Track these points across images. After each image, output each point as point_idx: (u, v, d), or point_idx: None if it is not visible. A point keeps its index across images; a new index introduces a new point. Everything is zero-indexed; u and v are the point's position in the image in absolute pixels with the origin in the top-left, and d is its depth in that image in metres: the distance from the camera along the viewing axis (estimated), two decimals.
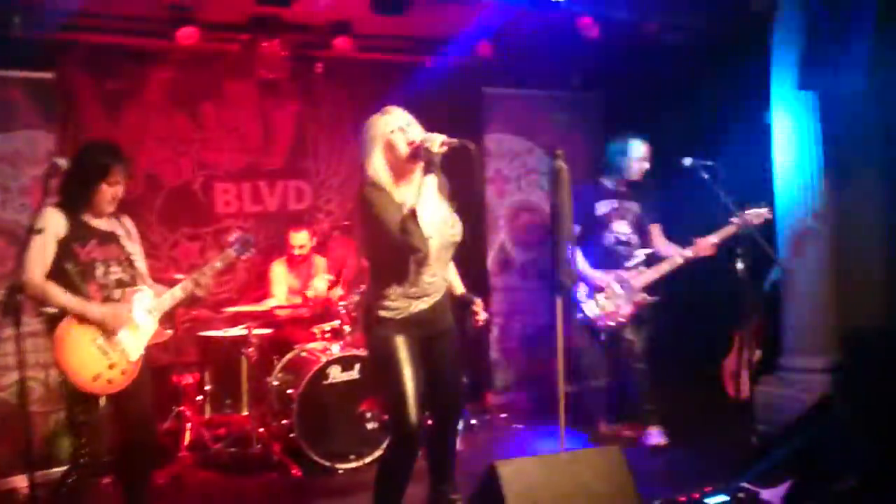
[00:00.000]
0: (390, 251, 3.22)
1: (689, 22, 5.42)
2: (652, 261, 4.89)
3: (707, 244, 4.73)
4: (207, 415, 5.05)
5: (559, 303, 3.96)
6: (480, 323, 3.50)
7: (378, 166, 3.28)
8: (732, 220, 4.56)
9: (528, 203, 6.50)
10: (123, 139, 5.13)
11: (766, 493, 3.64)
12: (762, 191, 5.10)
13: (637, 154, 4.90)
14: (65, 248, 3.38)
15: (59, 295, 3.34)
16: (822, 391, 4.81)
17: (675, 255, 4.83)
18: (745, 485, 3.72)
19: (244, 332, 5.07)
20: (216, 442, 5.00)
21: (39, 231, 3.22)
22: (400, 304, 3.29)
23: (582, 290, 4.86)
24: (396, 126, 3.27)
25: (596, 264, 4.89)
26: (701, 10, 5.32)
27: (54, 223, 3.37)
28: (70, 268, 3.38)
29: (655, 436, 4.84)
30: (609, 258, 4.89)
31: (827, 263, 5.03)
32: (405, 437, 3.27)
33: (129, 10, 4.99)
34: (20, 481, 4.53)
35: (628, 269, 4.86)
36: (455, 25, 5.61)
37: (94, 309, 3.39)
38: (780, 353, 5.20)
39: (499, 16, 5.37)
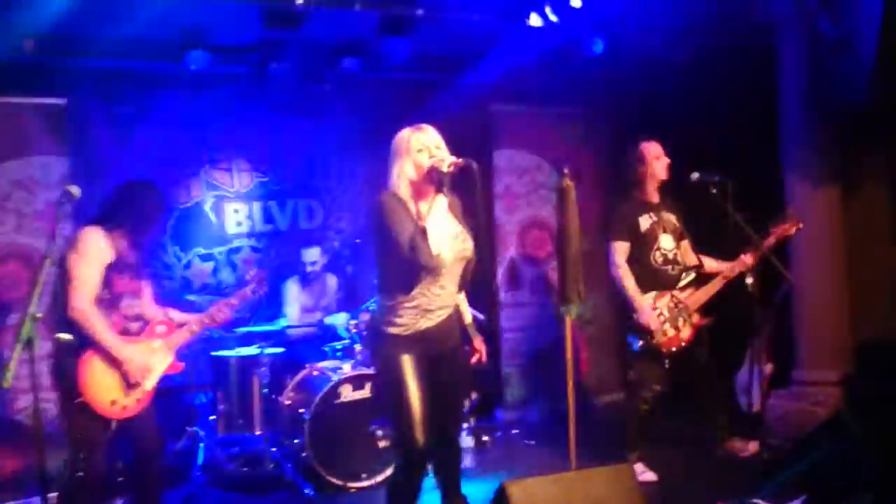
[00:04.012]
0: (399, 261, 3.24)
1: (695, 37, 5.43)
2: (700, 279, 4.61)
3: (749, 259, 4.48)
4: (220, 434, 5.08)
5: (567, 319, 3.94)
6: (475, 360, 3.52)
7: (400, 180, 3.31)
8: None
9: (537, 219, 6.51)
10: (135, 162, 5.23)
11: None
12: (774, 206, 5.08)
13: (654, 153, 4.57)
14: (105, 277, 3.45)
15: (101, 326, 3.39)
16: (834, 404, 4.78)
17: (726, 270, 4.54)
18: (758, 500, 3.71)
19: (256, 351, 5.11)
20: (229, 461, 5.03)
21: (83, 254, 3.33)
22: (407, 319, 3.30)
23: (644, 318, 4.43)
24: (425, 145, 3.30)
25: (646, 286, 4.50)
26: (705, 25, 5.32)
27: (103, 250, 3.44)
28: (103, 296, 3.45)
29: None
30: (658, 279, 4.52)
31: (838, 275, 5.01)
32: (412, 457, 3.28)
33: (139, 35, 5.06)
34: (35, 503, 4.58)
35: (681, 289, 4.56)
36: (462, 44, 5.66)
37: (125, 351, 3.45)
38: (793, 367, 5.17)
39: (505, 35, 5.41)
